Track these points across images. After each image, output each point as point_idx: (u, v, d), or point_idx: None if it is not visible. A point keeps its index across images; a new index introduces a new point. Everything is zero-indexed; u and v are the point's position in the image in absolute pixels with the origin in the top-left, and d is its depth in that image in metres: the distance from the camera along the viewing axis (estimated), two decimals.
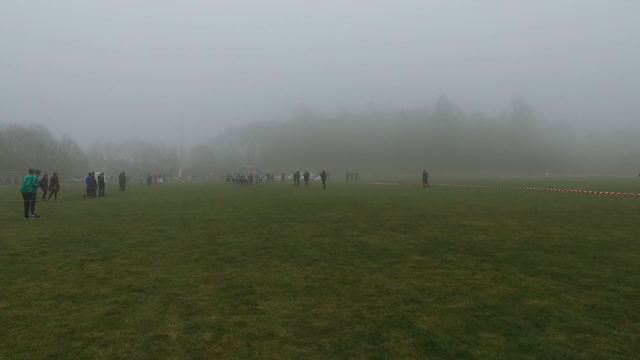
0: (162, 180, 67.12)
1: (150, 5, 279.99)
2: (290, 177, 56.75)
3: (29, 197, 12.88)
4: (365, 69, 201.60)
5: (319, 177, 33.10)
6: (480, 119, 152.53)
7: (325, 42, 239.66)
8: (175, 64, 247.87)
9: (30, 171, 13.50)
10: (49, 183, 22.85)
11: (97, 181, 25.93)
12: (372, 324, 3.80)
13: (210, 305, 4.39)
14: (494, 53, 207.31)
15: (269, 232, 9.82)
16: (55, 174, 23.99)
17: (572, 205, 16.12)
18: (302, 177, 43.15)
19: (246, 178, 53.04)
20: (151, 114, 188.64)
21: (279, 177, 76.13)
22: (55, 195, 22.99)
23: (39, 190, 19.43)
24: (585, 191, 21.13)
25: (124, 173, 35.04)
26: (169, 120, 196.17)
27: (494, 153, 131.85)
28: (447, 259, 6.60)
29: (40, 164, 67.97)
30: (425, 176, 31.46)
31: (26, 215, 12.95)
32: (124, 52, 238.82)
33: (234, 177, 61.64)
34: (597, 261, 6.32)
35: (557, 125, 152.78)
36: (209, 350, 3.28)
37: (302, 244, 8.11)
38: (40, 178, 19.69)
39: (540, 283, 5.12)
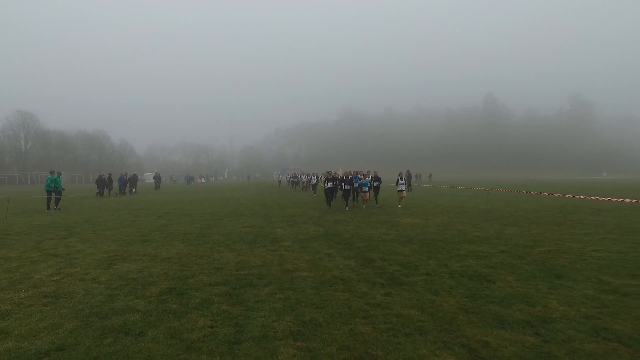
0: (203, 181, 71.70)
1: (206, 5, 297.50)
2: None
3: (49, 193, 15.98)
4: (413, 64, 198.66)
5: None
6: (532, 117, 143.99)
7: (373, 35, 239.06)
8: (226, 64, 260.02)
9: (51, 172, 16.61)
10: (106, 182, 26.70)
11: (128, 181, 29.71)
12: (111, 291, 5.41)
13: (31, 271, 6.34)
14: (550, 40, 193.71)
15: (214, 223, 11.74)
16: (109, 174, 27.98)
17: (541, 206, 16.24)
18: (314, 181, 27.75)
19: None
20: (203, 116, 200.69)
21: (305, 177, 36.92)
22: (109, 193, 26.93)
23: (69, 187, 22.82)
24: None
25: (159, 174, 39.30)
26: (219, 122, 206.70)
27: (548, 153, 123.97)
28: (310, 246, 8.03)
29: (100, 165, 76.56)
30: (408, 177, 28.31)
31: (47, 208, 16.04)
32: (180, 55, 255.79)
33: (313, 180, 28.07)
34: (427, 252, 7.38)
35: (622, 120, 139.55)
36: None
37: (216, 231, 9.96)
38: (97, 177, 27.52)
39: (336, 265, 6.39)
